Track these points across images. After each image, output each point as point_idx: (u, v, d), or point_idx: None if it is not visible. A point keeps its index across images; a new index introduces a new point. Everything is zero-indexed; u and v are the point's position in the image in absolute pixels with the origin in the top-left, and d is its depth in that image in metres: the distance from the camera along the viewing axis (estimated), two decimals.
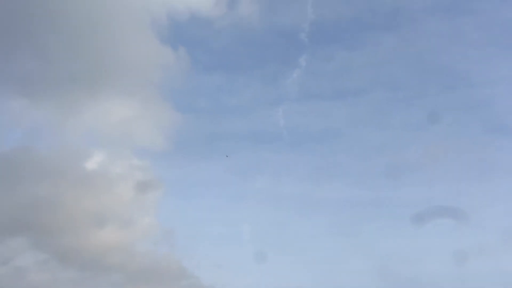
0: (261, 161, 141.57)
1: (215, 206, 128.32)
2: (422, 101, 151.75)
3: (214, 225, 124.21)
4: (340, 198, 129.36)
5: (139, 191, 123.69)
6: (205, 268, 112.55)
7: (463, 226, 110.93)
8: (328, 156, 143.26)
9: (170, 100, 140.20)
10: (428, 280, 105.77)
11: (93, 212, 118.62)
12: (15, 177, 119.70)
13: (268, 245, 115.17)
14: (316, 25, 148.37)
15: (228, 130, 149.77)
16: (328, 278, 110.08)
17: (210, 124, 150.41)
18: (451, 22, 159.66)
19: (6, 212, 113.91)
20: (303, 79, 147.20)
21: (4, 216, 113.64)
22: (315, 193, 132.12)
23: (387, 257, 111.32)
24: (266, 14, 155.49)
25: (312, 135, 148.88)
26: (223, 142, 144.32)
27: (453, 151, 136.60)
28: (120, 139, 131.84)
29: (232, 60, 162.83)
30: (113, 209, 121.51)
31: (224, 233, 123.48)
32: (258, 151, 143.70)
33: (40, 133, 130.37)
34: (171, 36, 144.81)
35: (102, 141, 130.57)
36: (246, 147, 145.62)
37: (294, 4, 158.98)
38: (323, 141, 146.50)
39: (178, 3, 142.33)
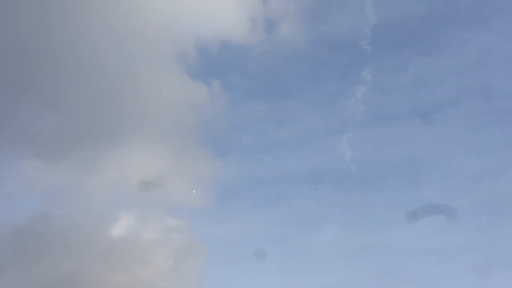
0: (326, 206, 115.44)
1: (272, 268, 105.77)
2: None
3: None
4: (435, 247, 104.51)
5: (178, 257, 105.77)
6: None
7: None
8: (412, 192, 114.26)
9: (206, 144, 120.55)
10: None
11: (125, 287, 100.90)
12: (34, 252, 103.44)
13: None
14: (379, 29, 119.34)
15: (280, 171, 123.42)
16: None
17: (257, 166, 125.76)
18: None
19: None
20: (369, 97, 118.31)
21: None
22: (401, 242, 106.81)
23: None
24: (314, 27, 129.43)
25: (388, 168, 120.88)
26: (275, 187, 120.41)
27: None
28: (150, 197, 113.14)
29: (277, 84, 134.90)
30: (148, 281, 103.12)
31: None
32: (321, 194, 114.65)
33: (59, 198, 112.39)
34: (202, 69, 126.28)
35: (130, 201, 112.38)
36: (305, 190, 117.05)
37: (348, 7, 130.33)
38: (404, 173, 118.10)
39: (207, 32, 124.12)
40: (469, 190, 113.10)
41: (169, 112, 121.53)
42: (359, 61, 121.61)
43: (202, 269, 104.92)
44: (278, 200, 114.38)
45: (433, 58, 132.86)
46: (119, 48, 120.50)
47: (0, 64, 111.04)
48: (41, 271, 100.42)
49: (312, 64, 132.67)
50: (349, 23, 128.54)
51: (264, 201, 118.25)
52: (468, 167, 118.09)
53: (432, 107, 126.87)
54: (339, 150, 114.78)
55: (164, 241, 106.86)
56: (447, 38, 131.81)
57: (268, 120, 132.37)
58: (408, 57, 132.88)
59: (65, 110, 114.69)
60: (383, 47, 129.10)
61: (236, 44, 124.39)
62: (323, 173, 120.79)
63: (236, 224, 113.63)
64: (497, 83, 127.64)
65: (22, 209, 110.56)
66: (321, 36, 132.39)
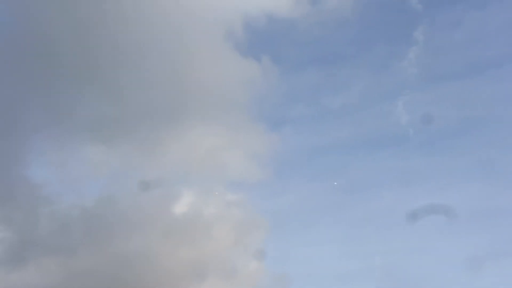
0: (384, 172, 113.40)
1: (334, 237, 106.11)
2: None
3: (337, 262, 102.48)
4: (487, 209, 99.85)
5: (240, 231, 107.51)
6: None
7: None
8: (474, 153, 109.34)
9: (261, 119, 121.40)
10: None
11: (189, 263, 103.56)
12: (103, 233, 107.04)
13: (408, 280, 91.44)
14: None
15: (336, 139, 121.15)
16: None
17: (312, 135, 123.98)
18: None
19: (97, 273, 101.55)
20: (423, 57, 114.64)
21: (95, 278, 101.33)
22: (464, 204, 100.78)
23: None
24: None
25: (447, 129, 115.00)
26: (331, 156, 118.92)
27: None
28: (210, 174, 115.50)
29: (328, 52, 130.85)
30: (212, 256, 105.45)
31: (352, 270, 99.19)
32: (378, 161, 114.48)
33: (123, 179, 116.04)
34: (251, 45, 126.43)
35: (190, 179, 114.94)
36: (362, 157, 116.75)
37: None
38: (463, 134, 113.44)
39: (253, 8, 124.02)
40: None
41: (222, 90, 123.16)
42: (411, 21, 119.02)
43: (263, 242, 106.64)
44: (335, 169, 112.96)
45: (489, 11, 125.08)
46: (173, 35, 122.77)
47: (63, 54, 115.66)
48: (110, 250, 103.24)
49: (361, 29, 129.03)
50: None
51: (321, 171, 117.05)
52: None
53: (491, 62, 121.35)
54: (395, 115, 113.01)
55: (226, 216, 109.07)
56: None
57: (321, 89, 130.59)
58: (462, 12, 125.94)
59: (124, 96, 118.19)
60: (435, 4, 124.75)
61: (282, 17, 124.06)
62: (379, 139, 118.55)
63: (295, 196, 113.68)
64: None
65: (89, 192, 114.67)
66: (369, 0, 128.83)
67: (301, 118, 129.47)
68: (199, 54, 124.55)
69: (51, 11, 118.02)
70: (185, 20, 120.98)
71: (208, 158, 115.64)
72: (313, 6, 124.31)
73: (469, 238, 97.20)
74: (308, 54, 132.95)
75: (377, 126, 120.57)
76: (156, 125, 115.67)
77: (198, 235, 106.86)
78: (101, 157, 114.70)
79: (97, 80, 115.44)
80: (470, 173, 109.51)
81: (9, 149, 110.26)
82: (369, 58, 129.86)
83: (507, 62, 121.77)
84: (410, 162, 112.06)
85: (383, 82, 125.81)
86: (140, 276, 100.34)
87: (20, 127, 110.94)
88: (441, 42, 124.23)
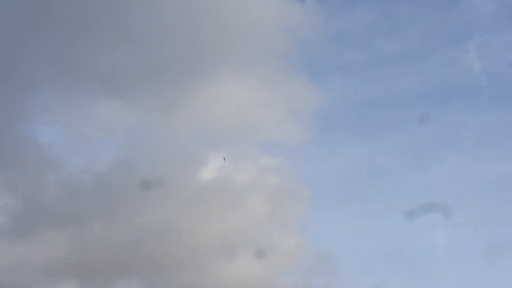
0: (451, 130, 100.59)
1: (389, 208, 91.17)
2: None
3: (390, 238, 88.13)
4: None
5: (277, 201, 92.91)
6: None
7: None
8: None
9: (302, 69, 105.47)
10: None
11: (218, 236, 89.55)
12: (118, 202, 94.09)
13: (477, 260, 77.64)
14: None
15: (392, 90, 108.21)
16: None
17: (364, 86, 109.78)
18: None
19: (110, 247, 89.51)
20: None
21: (108, 252, 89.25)
22: None
23: None
24: None
25: None
26: (386, 111, 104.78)
27: None
28: (242, 134, 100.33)
29: None
30: (244, 229, 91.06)
31: (407, 247, 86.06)
32: (444, 117, 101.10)
33: (141, 141, 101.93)
34: None
35: (219, 140, 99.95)
36: (425, 112, 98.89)
37: None
38: None
39: None
40: None
41: (260, 36, 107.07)
42: None
43: (305, 214, 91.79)
44: (390, 127, 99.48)
45: None
46: None
47: None
48: (125, 222, 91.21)
49: None
50: None
51: (373, 129, 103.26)
52: None
53: None
54: (466, 61, 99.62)
55: (260, 183, 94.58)
56: None
57: (375, 30, 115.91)
58: None
59: (140, 42, 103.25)
60: None
61: None
62: (446, 90, 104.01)
63: (342, 159, 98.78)
64: None
65: (101, 155, 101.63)
66: None
67: (351, 66, 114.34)
68: None
69: None
70: None
71: (240, 116, 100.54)
72: None
73: None
74: None
75: (442, 75, 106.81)
76: (178, 77, 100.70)
77: (227, 205, 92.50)
78: (115, 114, 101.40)
79: (109, 26, 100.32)
80: None
81: (9, 105, 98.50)
82: None
83: None
84: (483, 119, 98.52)
85: (451, 22, 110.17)
86: (159, 252, 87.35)
87: (22, 79, 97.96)
88: None
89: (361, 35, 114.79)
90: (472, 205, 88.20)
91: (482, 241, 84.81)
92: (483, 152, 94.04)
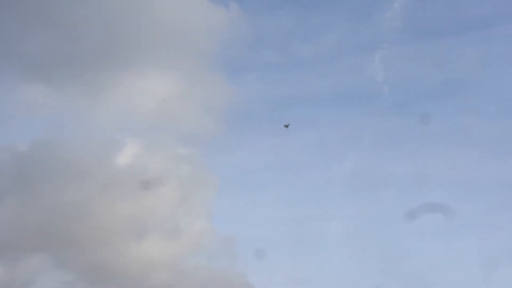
0: (353, 131, 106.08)
1: (290, 199, 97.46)
2: None
3: (290, 225, 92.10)
4: (469, 178, 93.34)
5: (187, 188, 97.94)
6: (278, 285, 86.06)
7: None
8: (450, 119, 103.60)
9: (222, 68, 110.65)
10: None
11: (130, 219, 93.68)
12: (35, 180, 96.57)
13: (367, 249, 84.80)
14: None
15: (304, 91, 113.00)
16: None
17: (278, 85, 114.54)
18: None
19: (25, 224, 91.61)
20: (408, 9, 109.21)
21: (22, 229, 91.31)
22: (437, 172, 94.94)
23: None
24: None
25: (425, 90, 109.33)
26: (297, 109, 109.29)
27: None
28: (160, 125, 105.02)
29: None
30: (155, 214, 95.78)
31: (304, 234, 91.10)
32: (348, 118, 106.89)
33: (63, 124, 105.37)
34: None
35: (138, 129, 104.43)
36: (331, 113, 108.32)
37: None
38: (443, 97, 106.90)
39: None
40: None
41: (182, 35, 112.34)
42: None
43: (213, 201, 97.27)
44: (300, 124, 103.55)
45: None
46: None
47: None
48: (42, 200, 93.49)
49: None
50: None
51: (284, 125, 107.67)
52: None
53: (480, 21, 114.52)
54: (371, 70, 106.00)
55: (173, 171, 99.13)
56: None
57: (292, 34, 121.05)
58: None
59: (73, 31, 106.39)
60: None
61: None
62: (351, 95, 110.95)
63: (252, 152, 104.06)
64: None
65: (23, 134, 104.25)
66: None
67: (267, 66, 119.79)
68: None
69: None
70: None
71: (159, 108, 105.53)
72: None
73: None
74: None
75: (350, 80, 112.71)
76: (104, 66, 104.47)
77: (141, 190, 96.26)
78: (39, 97, 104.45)
79: (38, 11, 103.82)
80: (445, 139, 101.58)
81: None
82: (349, 4, 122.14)
83: (498, 23, 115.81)
84: (382, 123, 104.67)
85: (361, 33, 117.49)
86: (72, 230, 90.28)
87: None
88: None
89: (279, 38, 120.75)
90: (366, 201, 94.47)
91: (378, 234, 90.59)
92: (380, 153, 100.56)
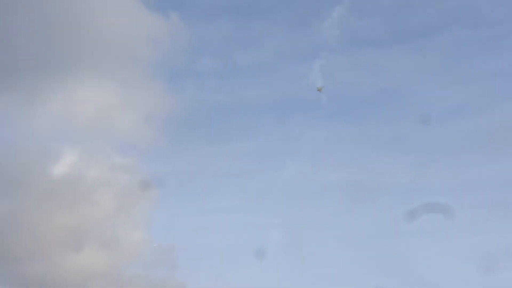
0: (291, 140, 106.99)
1: (229, 208, 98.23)
2: None
3: (229, 234, 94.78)
4: (405, 184, 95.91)
5: (125, 198, 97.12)
6: None
7: None
8: (386, 127, 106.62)
9: (161, 77, 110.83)
10: None
11: (67, 229, 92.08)
12: None
13: (305, 258, 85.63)
14: None
15: (244, 99, 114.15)
16: None
17: (217, 93, 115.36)
18: None
19: None
20: (346, 19, 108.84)
21: None
22: (370, 180, 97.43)
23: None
24: None
25: (362, 99, 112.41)
26: (237, 117, 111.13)
27: None
28: (98, 134, 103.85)
29: (241, 2, 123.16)
30: (92, 224, 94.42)
31: (243, 244, 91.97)
32: (287, 126, 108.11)
33: None
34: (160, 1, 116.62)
35: (75, 138, 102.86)
36: (270, 121, 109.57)
37: None
38: (379, 106, 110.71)
39: None
40: (447, 126, 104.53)
41: (122, 44, 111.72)
42: None
43: (151, 210, 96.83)
44: (239, 133, 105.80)
45: None
46: None
47: None
48: None
49: None
50: None
51: (224, 133, 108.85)
52: (448, 101, 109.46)
53: (415, 32, 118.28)
54: (309, 78, 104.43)
55: (111, 180, 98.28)
56: None
57: (232, 41, 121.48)
58: None
59: (8, 36, 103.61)
60: None
61: None
62: (290, 103, 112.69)
63: (191, 161, 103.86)
64: (486, 8, 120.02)
65: None
66: None
67: (207, 74, 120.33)
68: (101, 3, 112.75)
69: None
70: None
71: (98, 116, 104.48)
72: None
73: (385, 214, 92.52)
74: (219, 3, 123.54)
75: (289, 88, 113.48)
76: (44, 75, 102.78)
77: (77, 199, 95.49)
78: None
79: None
80: (381, 146, 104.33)
81: None
82: (288, 13, 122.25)
83: (434, 34, 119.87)
84: (320, 132, 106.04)
85: (300, 41, 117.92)
86: (6, 243, 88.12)
87: None
88: (367, 4, 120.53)
89: (219, 46, 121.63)
90: (304, 208, 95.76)
91: (314, 242, 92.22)
92: (318, 160, 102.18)
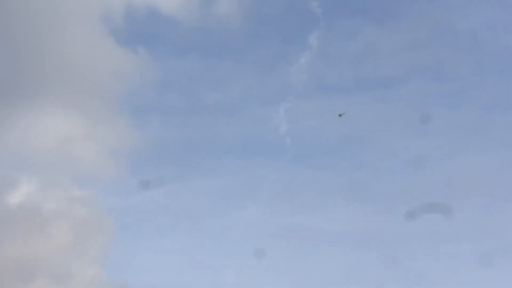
0: (253, 181, 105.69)
1: (188, 247, 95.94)
2: (478, 93, 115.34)
3: (187, 274, 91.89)
4: (365, 231, 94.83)
5: (81, 231, 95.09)
6: None
7: None
8: (347, 173, 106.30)
9: (127, 111, 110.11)
10: None
11: (18, 261, 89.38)
12: None
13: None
14: None
15: (208, 137, 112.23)
16: None
17: (182, 131, 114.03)
18: None
19: None
20: (314, 65, 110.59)
21: None
22: (330, 225, 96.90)
23: None
24: None
25: (325, 145, 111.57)
26: (200, 156, 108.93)
27: None
28: (58, 164, 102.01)
29: (213, 40, 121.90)
30: (45, 257, 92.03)
31: (200, 283, 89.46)
32: (249, 167, 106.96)
33: None
34: (129, 35, 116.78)
35: (34, 167, 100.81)
36: (233, 162, 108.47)
37: None
38: (342, 152, 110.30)
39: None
40: (408, 175, 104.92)
41: (89, 76, 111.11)
42: (307, 24, 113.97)
43: (107, 246, 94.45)
44: (201, 171, 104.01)
45: (386, 28, 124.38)
46: (40, 3, 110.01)
47: None
48: None
49: (252, 22, 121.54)
50: None
51: (185, 171, 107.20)
52: (410, 150, 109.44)
53: (379, 81, 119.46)
54: (275, 121, 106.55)
55: (68, 213, 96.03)
56: (402, 7, 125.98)
57: (199, 79, 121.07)
58: (360, 24, 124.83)
59: None
60: (335, 10, 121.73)
61: (168, 14, 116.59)
62: (254, 145, 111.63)
63: (152, 196, 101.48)
64: (449, 63, 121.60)
65: None
66: None
67: (172, 110, 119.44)
68: (67, 32, 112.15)
69: None
70: None
71: (59, 147, 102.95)
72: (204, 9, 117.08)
73: (332, 262, 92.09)
74: (189, 42, 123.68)
75: (254, 130, 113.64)
76: (5, 101, 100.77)
77: (32, 231, 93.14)
78: None
79: None
80: (341, 194, 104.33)
81: None
82: (257, 56, 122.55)
83: (398, 84, 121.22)
84: (283, 174, 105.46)
85: (268, 84, 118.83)
86: None
87: None
88: (335, 52, 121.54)
89: (186, 83, 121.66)
90: (263, 251, 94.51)
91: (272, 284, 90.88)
92: (279, 203, 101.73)
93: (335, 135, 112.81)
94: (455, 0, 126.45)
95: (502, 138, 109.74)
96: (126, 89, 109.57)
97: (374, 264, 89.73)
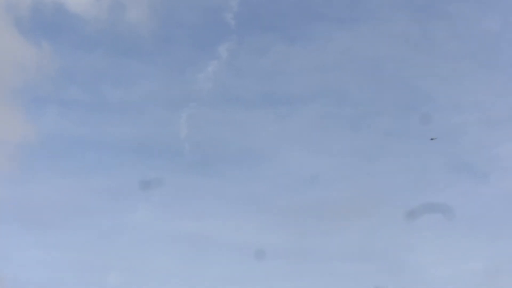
0: (147, 183, 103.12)
1: (73, 245, 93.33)
2: (378, 121, 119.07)
3: (67, 272, 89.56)
4: (257, 244, 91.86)
5: None
6: None
7: None
8: (244, 185, 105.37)
9: (21, 104, 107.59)
10: None
11: None
12: None
13: None
14: (248, 5, 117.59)
15: (107, 135, 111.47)
16: None
17: (81, 126, 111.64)
18: (422, 25, 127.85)
19: None
20: (221, 75, 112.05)
21: None
22: (222, 234, 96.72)
23: None
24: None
25: (224, 154, 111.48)
26: (96, 152, 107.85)
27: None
28: None
29: (121, 41, 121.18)
30: None
31: (81, 282, 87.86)
32: (145, 169, 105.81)
33: None
34: (33, 26, 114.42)
35: None
36: (129, 162, 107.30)
37: None
38: (239, 164, 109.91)
39: None
40: (303, 192, 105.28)
41: None
42: (220, 33, 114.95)
43: None
44: (95, 169, 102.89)
45: (296, 47, 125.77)
46: None
47: None
48: None
49: (162, 26, 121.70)
50: None
51: (78, 167, 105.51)
52: (306, 168, 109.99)
53: (284, 98, 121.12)
54: (175, 126, 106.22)
55: None
56: (313, 29, 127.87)
57: (102, 74, 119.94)
58: (271, 40, 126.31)
59: None
60: (248, 25, 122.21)
61: (75, 12, 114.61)
62: (153, 146, 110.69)
63: (40, 190, 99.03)
64: (353, 88, 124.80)
65: None
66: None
67: (72, 104, 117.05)
68: None
69: None
70: None
71: None
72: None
73: (219, 270, 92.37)
74: (95, 40, 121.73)
75: (154, 132, 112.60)
76: None
77: None
78: None
79: None
80: (234, 205, 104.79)
81: None
82: (165, 59, 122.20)
83: (301, 103, 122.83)
84: (179, 180, 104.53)
85: (173, 88, 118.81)
86: None
87: None
88: (243, 64, 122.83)
89: (90, 78, 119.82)
90: (150, 255, 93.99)
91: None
92: (170, 209, 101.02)
93: (235, 146, 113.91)
94: (364, 29, 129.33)
95: (395, 163, 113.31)
96: (22, 80, 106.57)
97: (262, 276, 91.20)
